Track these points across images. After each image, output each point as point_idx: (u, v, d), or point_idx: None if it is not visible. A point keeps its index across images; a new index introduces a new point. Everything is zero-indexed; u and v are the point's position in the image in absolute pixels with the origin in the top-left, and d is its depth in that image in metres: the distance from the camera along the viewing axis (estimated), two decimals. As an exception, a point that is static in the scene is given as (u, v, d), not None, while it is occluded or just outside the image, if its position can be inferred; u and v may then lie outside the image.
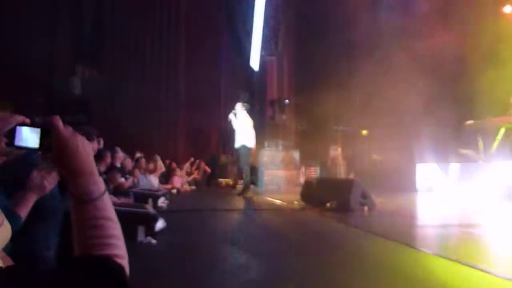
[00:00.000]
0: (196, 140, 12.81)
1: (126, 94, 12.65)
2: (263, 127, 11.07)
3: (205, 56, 12.47)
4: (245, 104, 7.48)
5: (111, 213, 0.77)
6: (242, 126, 7.27)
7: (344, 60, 10.32)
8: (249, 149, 7.32)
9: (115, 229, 0.75)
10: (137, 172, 6.47)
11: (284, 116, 10.67)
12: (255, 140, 7.42)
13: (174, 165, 9.79)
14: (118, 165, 6.23)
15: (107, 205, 0.77)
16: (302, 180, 10.06)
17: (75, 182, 0.77)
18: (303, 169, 10.63)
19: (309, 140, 10.72)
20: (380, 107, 9.23)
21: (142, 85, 12.98)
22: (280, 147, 10.19)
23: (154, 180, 7.67)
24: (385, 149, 9.62)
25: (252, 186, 7.44)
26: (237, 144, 7.36)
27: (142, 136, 12.20)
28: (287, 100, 10.93)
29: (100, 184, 0.78)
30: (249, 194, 7.23)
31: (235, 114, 7.38)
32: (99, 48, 12.51)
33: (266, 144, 10.33)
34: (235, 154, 7.54)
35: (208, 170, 10.98)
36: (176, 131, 13.53)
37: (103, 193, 0.77)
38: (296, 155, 10.14)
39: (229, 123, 7.43)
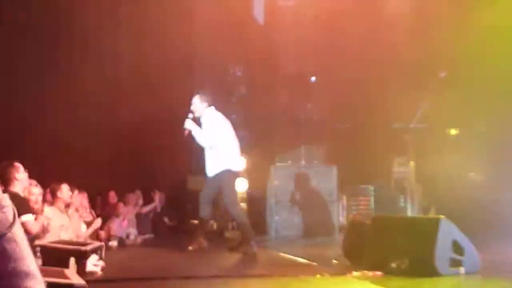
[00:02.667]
0: (148, 153, 12.80)
1: (28, 71, 12.67)
2: (270, 125, 11.04)
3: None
4: (204, 96, 7.54)
5: (28, 261, 0.77)
6: (213, 137, 7.36)
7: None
8: (234, 176, 7.39)
9: None
10: (48, 211, 6.47)
11: (308, 105, 10.51)
12: (241, 159, 7.62)
13: (113, 197, 9.82)
14: (19, 190, 6.22)
15: (20, 247, 0.77)
16: (343, 220, 9.99)
17: None
18: (344, 200, 10.66)
19: (355, 147, 10.75)
20: (480, 87, 9.22)
21: (55, 56, 12.99)
22: (303, 161, 10.23)
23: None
24: (493, 163, 9.57)
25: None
26: (210, 170, 7.41)
27: (56, 145, 12.22)
28: (314, 77, 10.89)
29: (6, 211, 0.80)
30: (250, 249, 7.21)
31: (192, 118, 7.47)
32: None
33: (276, 156, 10.33)
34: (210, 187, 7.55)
35: (169, 223, 11.09)
36: (114, 135, 13.52)
37: (11, 226, 0.79)
38: (331, 174, 10.16)
39: (187, 136, 7.48)
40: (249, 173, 10.45)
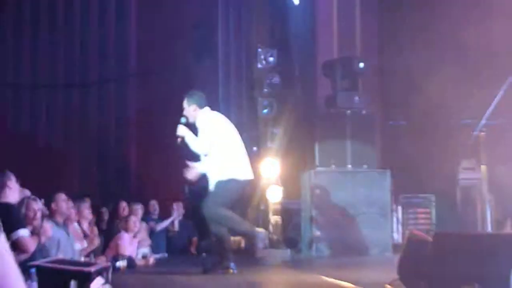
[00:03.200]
0: (165, 152, 12.86)
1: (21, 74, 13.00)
2: (310, 122, 11.08)
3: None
4: (192, 98, 7.63)
5: (15, 280, 0.94)
6: (209, 142, 7.41)
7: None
8: (239, 186, 7.42)
9: None
10: (47, 226, 6.53)
11: (356, 98, 10.52)
12: (249, 166, 7.55)
13: (124, 209, 9.91)
14: (12, 201, 6.28)
15: (5, 264, 0.94)
16: (398, 236, 9.87)
17: None
18: (399, 212, 10.68)
19: (413, 148, 10.67)
20: None
21: (48, 38, 13.18)
22: (349, 165, 10.25)
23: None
24: None
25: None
26: (212, 184, 7.49)
27: (51, 149, 12.46)
28: (362, 64, 10.81)
29: None
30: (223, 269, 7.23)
31: (185, 123, 7.56)
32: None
33: (316, 158, 10.30)
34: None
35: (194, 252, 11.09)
36: (122, 135, 13.68)
37: None
38: (384, 180, 10.20)
39: (181, 143, 7.58)
40: (283, 180, 10.43)
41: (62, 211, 7.43)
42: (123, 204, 10.17)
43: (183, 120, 7.57)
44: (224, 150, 7.43)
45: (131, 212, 9.97)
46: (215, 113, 7.71)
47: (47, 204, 7.43)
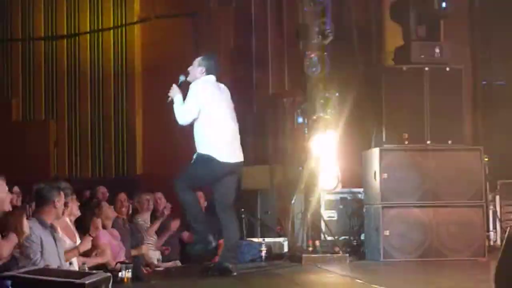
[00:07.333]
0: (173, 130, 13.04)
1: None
2: (374, 83, 11.04)
3: None
4: (206, 60, 8.67)
5: None
6: (193, 112, 8.42)
7: None
8: (217, 167, 8.36)
9: None
10: (23, 221, 6.59)
11: (437, 49, 10.43)
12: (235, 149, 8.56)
13: (123, 201, 9.90)
14: None
15: None
16: (495, 235, 9.84)
17: None
18: (497, 203, 10.69)
19: None
20: None
21: None
22: (428, 141, 10.20)
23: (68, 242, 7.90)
24: None
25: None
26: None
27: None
28: (444, 3, 10.53)
29: None
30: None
31: (182, 82, 8.68)
32: None
33: (383, 132, 10.39)
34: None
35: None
36: (126, 95, 13.94)
37: None
38: (475, 162, 10.16)
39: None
40: (340, 162, 10.39)
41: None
42: (122, 197, 10.04)
43: (181, 78, 8.58)
44: (210, 123, 8.35)
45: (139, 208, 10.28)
46: (217, 84, 8.60)
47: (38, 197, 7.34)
